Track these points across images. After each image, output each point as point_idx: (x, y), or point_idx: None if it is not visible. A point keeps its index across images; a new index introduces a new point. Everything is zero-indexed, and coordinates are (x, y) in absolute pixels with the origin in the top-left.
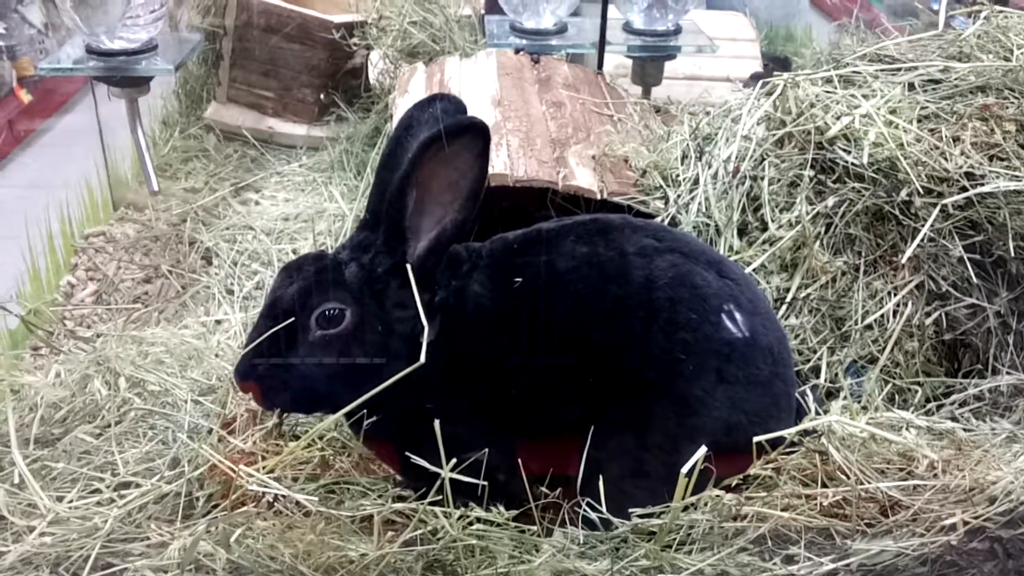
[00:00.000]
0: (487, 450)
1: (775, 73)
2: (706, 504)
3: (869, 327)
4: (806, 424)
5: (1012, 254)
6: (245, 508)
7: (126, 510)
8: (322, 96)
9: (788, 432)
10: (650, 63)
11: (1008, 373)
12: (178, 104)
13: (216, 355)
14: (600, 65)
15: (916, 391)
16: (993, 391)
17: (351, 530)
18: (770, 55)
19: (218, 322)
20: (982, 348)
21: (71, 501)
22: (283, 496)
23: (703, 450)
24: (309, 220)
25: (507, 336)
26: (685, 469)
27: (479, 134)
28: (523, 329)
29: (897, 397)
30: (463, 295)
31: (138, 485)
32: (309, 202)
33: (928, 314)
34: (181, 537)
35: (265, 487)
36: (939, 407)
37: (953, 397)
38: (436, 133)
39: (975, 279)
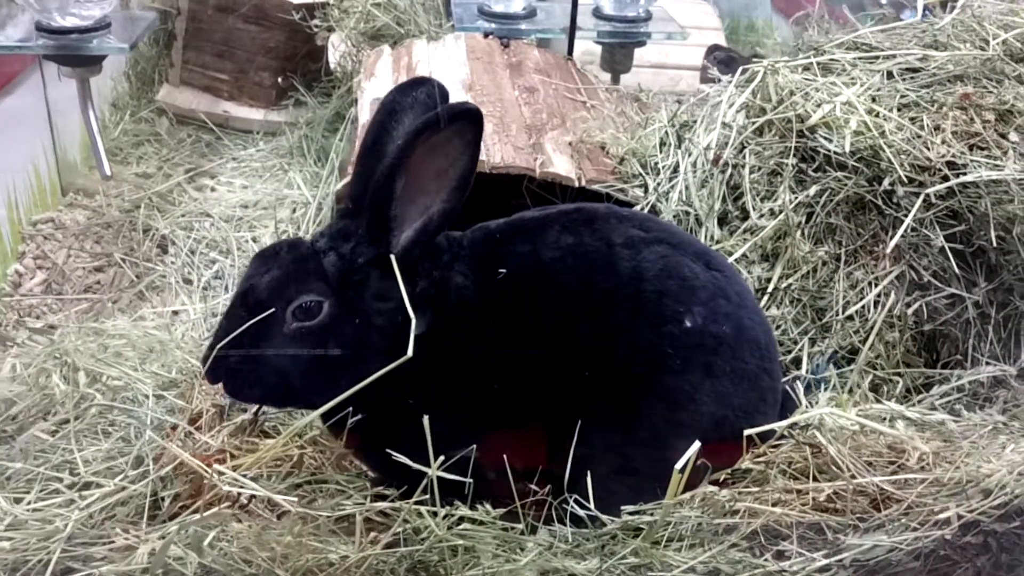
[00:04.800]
0: (474, 447)
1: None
2: (699, 500)
3: (850, 318)
4: (798, 417)
5: (994, 244)
6: (216, 509)
7: (88, 512)
8: (280, 80)
9: (778, 425)
10: (619, 50)
11: (988, 363)
12: (128, 86)
13: (178, 348)
14: (570, 51)
15: (897, 382)
16: (973, 382)
17: (329, 531)
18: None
19: (175, 313)
20: (961, 339)
21: (29, 503)
22: (257, 496)
23: (696, 445)
24: (271, 208)
25: (490, 328)
26: (679, 465)
27: (472, 121)
28: (507, 321)
29: (877, 389)
30: (445, 286)
31: (99, 485)
32: (269, 189)
33: (908, 304)
34: (150, 540)
35: (240, 487)
36: (920, 399)
37: (938, 388)
38: (430, 119)
39: (951, 269)
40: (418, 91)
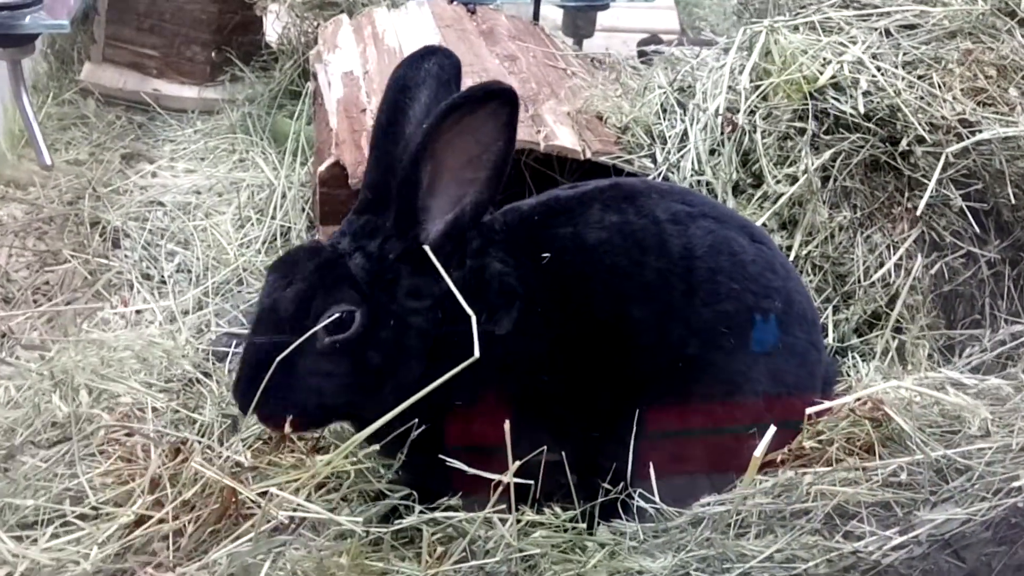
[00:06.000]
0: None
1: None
2: (775, 486)
3: (872, 283)
4: (862, 392)
5: (1012, 201)
6: (257, 533)
7: (114, 547)
8: (213, 54)
9: (841, 402)
10: (581, 14)
11: (1007, 321)
12: (48, 66)
13: (183, 355)
14: (536, 16)
15: (924, 345)
16: (994, 341)
17: (390, 547)
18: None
19: (138, 312)
20: (978, 298)
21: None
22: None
23: (772, 430)
24: (226, 193)
25: (537, 317)
26: (758, 452)
27: (507, 101)
28: (554, 308)
29: (903, 352)
30: (483, 275)
31: (107, 515)
32: (220, 173)
33: (927, 267)
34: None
35: (294, 509)
36: (947, 361)
37: (970, 350)
38: (457, 101)
39: (970, 229)
40: (429, 63)
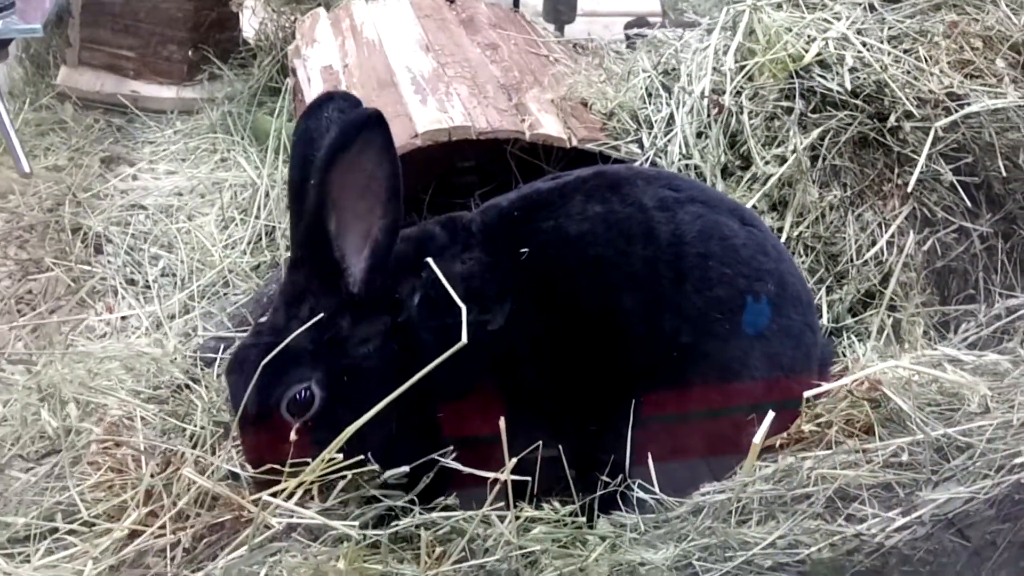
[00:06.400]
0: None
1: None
2: (776, 472)
3: (865, 262)
4: (860, 374)
5: (1003, 173)
6: (256, 541)
7: (108, 562)
8: (190, 52)
9: (840, 384)
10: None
11: (1002, 295)
12: (23, 71)
13: (172, 361)
14: (516, 3)
15: (918, 322)
16: (989, 316)
17: (389, 551)
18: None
19: (123, 318)
20: (972, 273)
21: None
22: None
23: (771, 416)
24: (209, 194)
25: (522, 315)
26: (757, 438)
27: (375, 124)
28: (540, 304)
29: (901, 330)
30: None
31: (101, 529)
32: (201, 173)
33: (919, 243)
34: None
35: (291, 516)
36: (942, 337)
37: (966, 325)
38: (333, 145)
39: (962, 203)
40: (328, 110)
